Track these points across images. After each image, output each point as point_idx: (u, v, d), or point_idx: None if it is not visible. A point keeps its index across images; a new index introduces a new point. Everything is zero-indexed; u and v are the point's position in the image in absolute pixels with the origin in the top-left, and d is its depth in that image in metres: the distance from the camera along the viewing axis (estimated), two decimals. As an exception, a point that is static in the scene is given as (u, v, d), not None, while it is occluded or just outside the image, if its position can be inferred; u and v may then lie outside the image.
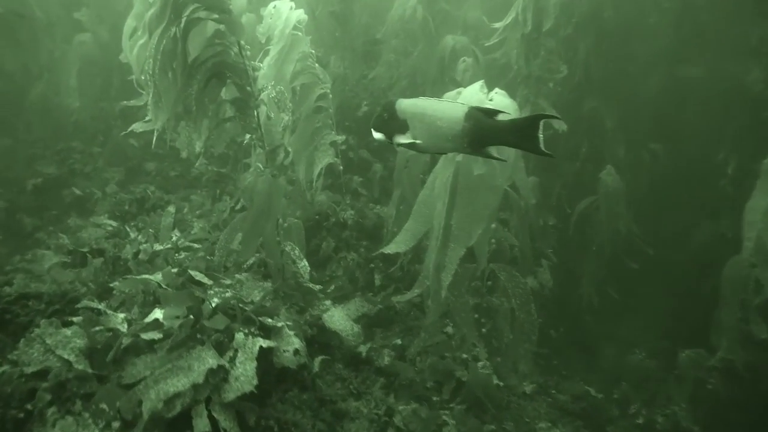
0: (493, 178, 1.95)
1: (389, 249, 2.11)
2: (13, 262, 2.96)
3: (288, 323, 1.99)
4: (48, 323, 1.93)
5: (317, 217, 3.48)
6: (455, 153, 2.04)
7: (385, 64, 5.02)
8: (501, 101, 2.07)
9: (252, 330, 1.83)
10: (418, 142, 1.25)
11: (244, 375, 1.67)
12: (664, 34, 4.43)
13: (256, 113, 2.21)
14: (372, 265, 3.60)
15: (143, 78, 2.04)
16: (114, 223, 3.06)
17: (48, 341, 1.87)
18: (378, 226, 3.94)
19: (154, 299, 2.02)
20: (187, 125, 2.06)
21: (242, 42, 2.09)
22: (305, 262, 2.45)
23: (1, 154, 4.28)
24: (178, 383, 1.64)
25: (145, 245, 2.50)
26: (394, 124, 1.27)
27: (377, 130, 1.31)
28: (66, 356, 1.80)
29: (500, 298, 2.34)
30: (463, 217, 1.97)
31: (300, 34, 2.78)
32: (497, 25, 4.08)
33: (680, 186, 4.39)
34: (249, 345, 1.75)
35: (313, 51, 2.92)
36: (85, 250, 2.59)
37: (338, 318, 2.36)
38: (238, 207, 2.94)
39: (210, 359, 1.69)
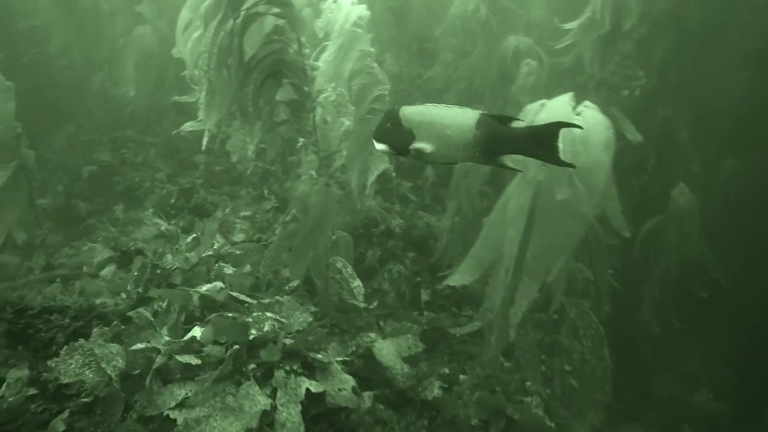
0: (578, 204, 1.66)
1: (454, 281, 1.85)
2: (61, 254, 2.89)
3: (337, 359, 1.77)
4: (99, 333, 1.81)
5: (365, 223, 3.26)
6: (536, 173, 1.76)
7: (441, 64, 4.73)
8: (592, 116, 1.76)
9: (294, 367, 1.63)
10: (428, 148, 1.13)
11: (291, 421, 1.46)
12: (757, 34, 3.91)
13: (312, 116, 2.00)
14: (418, 279, 3.35)
15: (196, 74, 1.87)
16: (160, 222, 2.94)
17: (97, 351, 1.73)
18: (426, 236, 3.68)
19: (191, 315, 1.85)
20: (241, 127, 1.88)
21: (303, 38, 1.88)
22: (359, 282, 2.22)
23: (64, 141, 4.32)
24: (230, 428, 1.44)
25: (189, 254, 2.35)
26: (399, 133, 1.15)
27: (380, 141, 1.18)
28: (109, 372, 1.66)
29: (570, 338, 2.04)
30: (541, 247, 1.69)
31: (360, 30, 2.55)
32: (569, 25, 3.71)
33: (759, 207, 3.90)
34: (292, 385, 1.54)
35: (373, 49, 2.69)
36: (130, 247, 2.47)
37: (388, 353, 2.12)
38: (288, 218, 2.75)
39: (261, 399, 1.49)
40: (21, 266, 2.35)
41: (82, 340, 1.76)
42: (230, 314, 1.85)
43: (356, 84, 2.52)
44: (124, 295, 2.12)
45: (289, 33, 1.88)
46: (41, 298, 1.85)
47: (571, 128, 1.20)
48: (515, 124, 1.09)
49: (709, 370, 3.85)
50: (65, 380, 1.73)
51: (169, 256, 2.22)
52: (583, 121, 1.67)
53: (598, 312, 1.98)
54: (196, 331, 1.72)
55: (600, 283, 2.04)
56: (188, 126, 2.11)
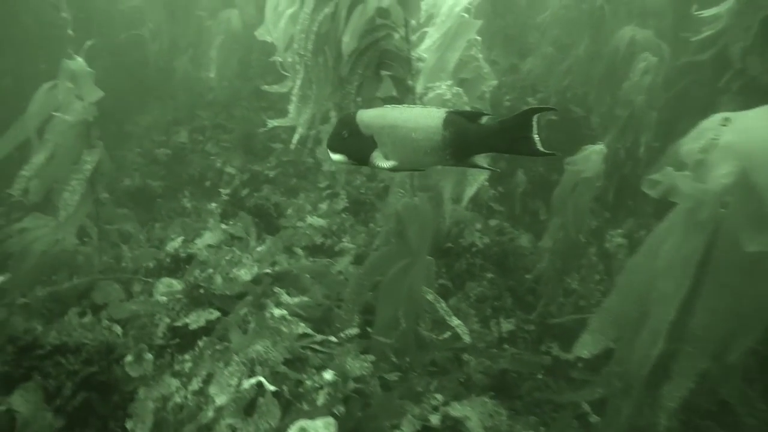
0: (778, 260, 1.18)
1: (586, 348, 1.43)
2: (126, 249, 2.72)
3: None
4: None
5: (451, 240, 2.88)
6: (713, 211, 1.29)
7: (540, 56, 4.19)
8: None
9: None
10: (392, 156, 1.02)
11: None
12: None
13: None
14: (497, 303, 2.93)
15: (289, 60, 1.58)
16: (220, 224, 2.69)
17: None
18: (513, 253, 3.24)
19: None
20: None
21: (413, 22, 1.52)
22: (458, 321, 1.86)
23: (150, 121, 4.33)
24: None
25: (241, 270, 2.07)
26: (358, 141, 1.03)
27: (335, 152, 1.06)
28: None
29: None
30: (716, 314, 1.24)
31: (467, 16, 2.15)
32: (710, 11, 3.06)
33: None
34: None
35: (479, 38, 2.28)
36: (180, 253, 2.25)
37: (473, 423, 1.73)
38: (377, 242, 2.40)
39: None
40: (95, 260, 2.24)
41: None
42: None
43: (459, 78, 2.13)
44: (161, 330, 1.85)
45: (396, 15, 1.53)
46: (55, 332, 1.58)
47: None
48: (485, 120, 0.99)
49: None
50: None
51: (219, 278, 1.96)
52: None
53: None
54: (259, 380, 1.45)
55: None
56: (275, 123, 1.84)
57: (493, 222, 3.52)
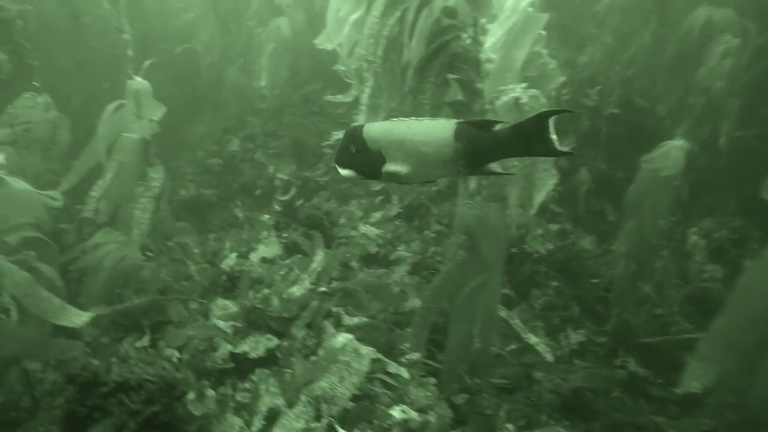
0: None
1: (692, 383, 1.26)
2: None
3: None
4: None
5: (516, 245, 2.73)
6: None
7: (600, 47, 3.92)
8: None
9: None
10: (404, 170, 0.99)
11: None
12: None
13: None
14: (563, 313, 2.74)
15: (353, 68, 1.50)
16: (273, 237, 2.64)
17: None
18: (578, 258, 3.04)
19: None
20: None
21: (483, 21, 1.40)
22: (536, 338, 1.72)
23: (203, 131, 4.42)
24: None
25: (293, 288, 2.01)
26: (366, 156, 1.01)
27: (343, 167, 1.05)
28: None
29: None
30: None
31: (532, 9, 1.99)
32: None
33: None
34: None
35: (544, 33, 2.12)
36: (235, 271, 2.21)
37: None
38: (446, 258, 2.28)
39: None
40: (156, 277, 2.27)
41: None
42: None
43: (525, 77, 1.98)
44: (219, 356, 1.80)
45: (463, 14, 1.42)
46: (118, 367, 1.51)
47: None
48: (499, 127, 0.98)
49: None
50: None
51: (275, 299, 1.91)
52: None
53: None
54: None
55: None
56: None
57: (554, 226, 3.32)
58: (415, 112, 1.42)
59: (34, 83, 2.48)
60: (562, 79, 2.07)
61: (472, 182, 1.66)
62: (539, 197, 1.94)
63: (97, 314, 1.65)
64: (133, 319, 1.93)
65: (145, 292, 2.08)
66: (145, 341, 1.88)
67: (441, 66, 1.38)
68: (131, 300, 1.97)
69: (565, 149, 0.93)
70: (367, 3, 1.41)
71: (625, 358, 2.47)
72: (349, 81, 1.71)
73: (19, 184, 1.38)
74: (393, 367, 1.58)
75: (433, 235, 3.27)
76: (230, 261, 2.40)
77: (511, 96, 1.49)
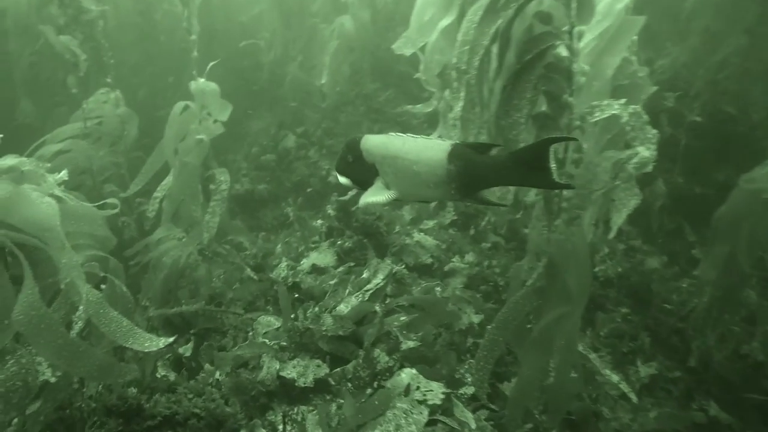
0: None
1: None
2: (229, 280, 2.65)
3: None
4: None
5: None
6: None
7: (686, 49, 3.57)
8: None
9: None
10: (393, 187, 0.97)
11: None
12: None
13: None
14: (633, 343, 2.50)
15: (435, 77, 1.39)
16: (325, 244, 2.55)
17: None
18: (648, 280, 2.78)
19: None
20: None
21: (582, 28, 1.24)
22: (617, 376, 1.56)
23: (256, 129, 4.45)
24: None
25: (342, 305, 1.90)
26: (361, 167, 0.99)
27: (341, 174, 1.04)
28: None
29: None
30: None
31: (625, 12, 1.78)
32: None
33: None
34: None
35: (636, 38, 1.90)
36: (289, 281, 2.14)
37: None
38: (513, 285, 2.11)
39: None
40: (208, 280, 2.26)
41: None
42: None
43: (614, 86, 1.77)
44: (266, 377, 1.71)
45: (560, 19, 1.26)
46: (165, 399, 1.44)
47: None
48: (495, 152, 0.93)
49: None
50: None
51: (328, 318, 1.80)
52: None
53: None
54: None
55: None
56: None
57: (621, 244, 3.06)
58: (512, 133, 1.28)
59: (108, 80, 2.53)
60: (653, 88, 1.84)
61: (553, 201, 1.50)
62: (618, 219, 1.74)
63: (156, 314, 1.66)
64: (186, 321, 1.92)
65: (197, 294, 2.08)
66: (189, 349, 1.85)
67: (538, 80, 1.23)
68: (185, 301, 1.97)
69: (563, 182, 0.89)
70: (459, 8, 1.28)
71: (705, 400, 2.22)
72: (430, 89, 1.59)
73: (78, 203, 1.36)
74: (459, 411, 1.46)
75: (488, 246, 3.11)
76: (281, 271, 2.34)
77: (610, 113, 1.32)
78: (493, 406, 1.84)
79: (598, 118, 1.34)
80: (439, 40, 1.41)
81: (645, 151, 1.28)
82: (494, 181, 0.94)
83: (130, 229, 2.60)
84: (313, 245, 2.58)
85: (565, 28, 1.29)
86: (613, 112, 1.31)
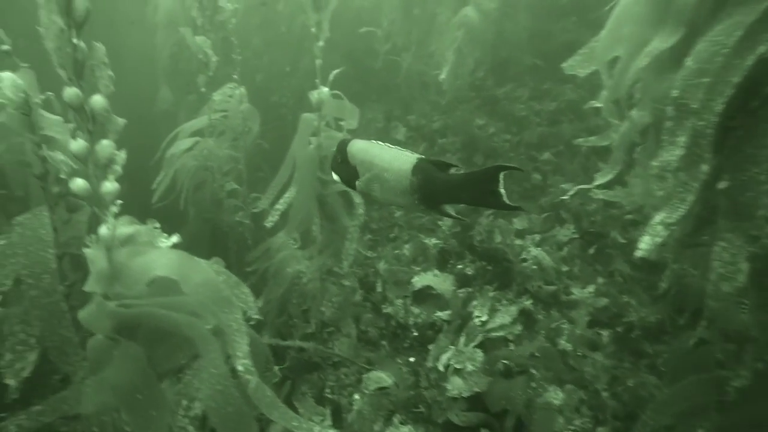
0: None
1: None
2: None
3: None
4: None
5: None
6: None
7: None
8: None
9: None
10: (370, 190, 1.06)
11: None
12: None
13: None
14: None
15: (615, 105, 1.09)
16: (437, 270, 2.27)
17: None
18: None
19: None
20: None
21: None
22: None
23: (364, 121, 4.31)
24: None
25: (470, 364, 1.62)
26: (346, 168, 1.08)
27: (335, 172, 1.13)
28: None
29: None
30: None
31: None
32: None
33: None
34: None
35: None
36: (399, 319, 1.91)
37: None
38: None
39: None
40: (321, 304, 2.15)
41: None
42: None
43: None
44: None
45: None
46: None
47: None
48: (453, 171, 1.00)
49: None
50: None
51: (458, 380, 1.51)
52: None
53: None
54: None
55: None
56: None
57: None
58: (739, 190, 0.96)
59: (234, 76, 2.54)
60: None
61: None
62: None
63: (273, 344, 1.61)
64: (298, 360, 1.81)
65: (309, 316, 1.99)
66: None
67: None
68: (304, 326, 1.90)
69: (514, 204, 0.93)
70: (686, 27, 0.94)
71: None
72: (613, 121, 1.30)
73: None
74: None
75: (620, 280, 2.69)
76: (396, 308, 2.16)
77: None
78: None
79: None
80: (645, 63, 1.08)
81: None
82: (451, 198, 0.99)
83: (246, 227, 2.63)
84: (421, 267, 2.37)
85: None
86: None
